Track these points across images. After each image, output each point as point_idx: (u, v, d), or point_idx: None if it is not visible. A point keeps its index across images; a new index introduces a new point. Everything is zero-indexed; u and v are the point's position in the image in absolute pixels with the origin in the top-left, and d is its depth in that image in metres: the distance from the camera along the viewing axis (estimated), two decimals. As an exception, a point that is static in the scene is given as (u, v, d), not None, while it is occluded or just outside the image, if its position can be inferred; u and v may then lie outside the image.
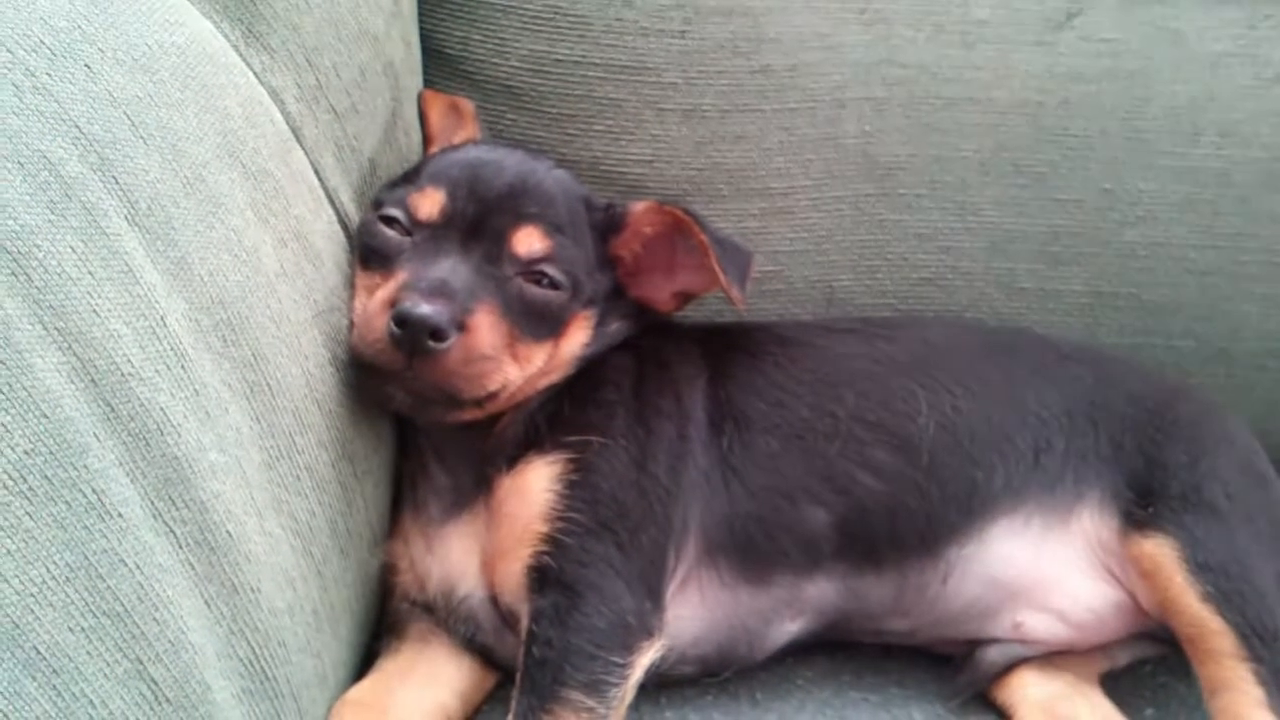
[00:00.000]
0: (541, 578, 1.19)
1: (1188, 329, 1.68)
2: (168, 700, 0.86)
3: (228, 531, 0.97)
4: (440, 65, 1.61)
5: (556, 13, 1.56)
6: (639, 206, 1.37)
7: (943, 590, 1.34)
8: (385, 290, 1.21)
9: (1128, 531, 1.32)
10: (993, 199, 1.64)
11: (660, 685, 1.27)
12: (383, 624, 1.33)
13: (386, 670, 1.27)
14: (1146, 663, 1.41)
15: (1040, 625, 1.35)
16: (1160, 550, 1.29)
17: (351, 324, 1.24)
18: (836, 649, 1.38)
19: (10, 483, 0.78)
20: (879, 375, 1.37)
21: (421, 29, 1.59)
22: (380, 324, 1.18)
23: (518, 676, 1.15)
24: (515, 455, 1.27)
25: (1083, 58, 1.62)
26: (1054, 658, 1.36)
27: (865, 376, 1.37)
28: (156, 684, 0.86)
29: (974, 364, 1.40)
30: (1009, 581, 1.34)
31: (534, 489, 1.23)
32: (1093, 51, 1.62)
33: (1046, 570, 1.34)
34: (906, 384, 1.36)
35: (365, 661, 1.29)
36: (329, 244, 1.26)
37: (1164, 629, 1.32)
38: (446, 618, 1.30)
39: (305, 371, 1.15)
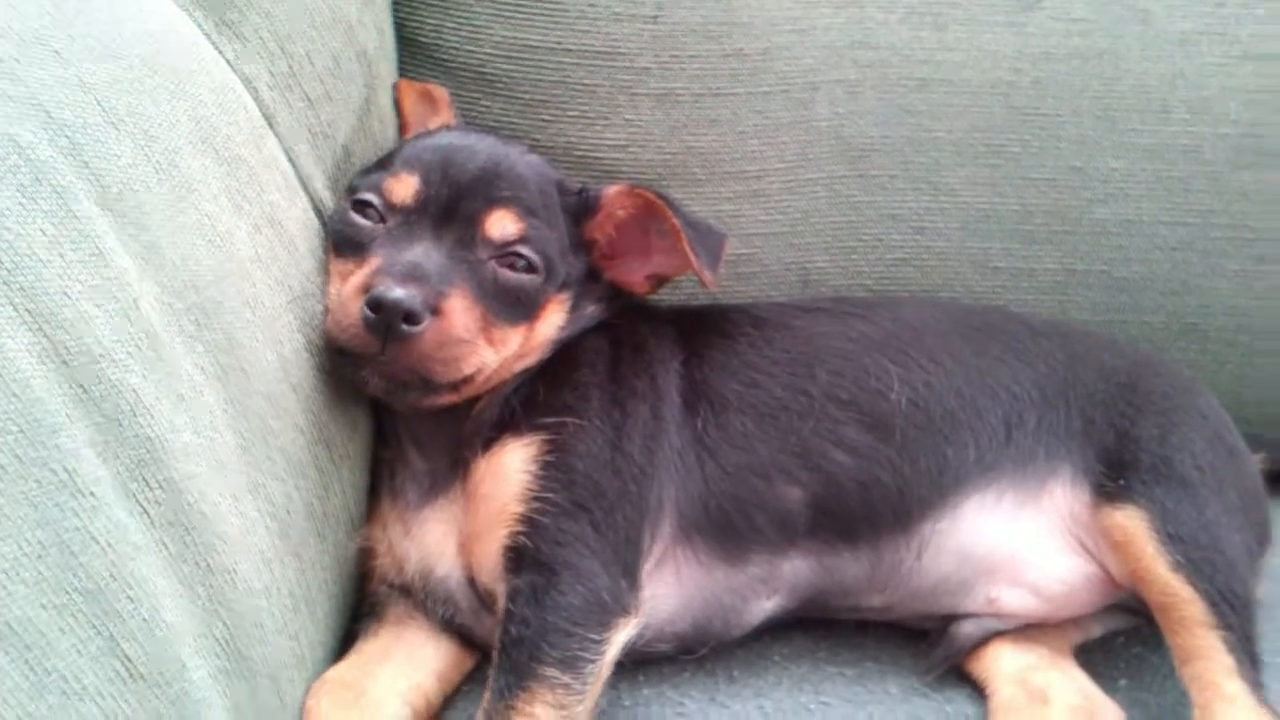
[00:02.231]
0: (518, 558, 1.20)
1: (1159, 305, 1.70)
2: (142, 677, 0.87)
3: (202, 512, 0.98)
4: (414, 53, 1.62)
5: (529, -2, 1.57)
6: (612, 190, 1.38)
7: (917, 566, 1.35)
8: (359, 275, 1.22)
9: (1099, 504, 1.33)
10: (966, 179, 1.65)
11: (638, 663, 1.28)
12: (362, 607, 1.34)
13: (365, 651, 1.28)
14: (1119, 634, 1.42)
15: (1014, 599, 1.36)
16: (1131, 521, 1.30)
17: (326, 310, 1.25)
18: (813, 626, 1.39)
19: (-20, 461, 0.79)
20: (852, 353, 1.38)
21: (395, 16, 1.60)
22: (354, 308, 1.19)
23: (495, 655, 1.16)
24: (491, 438, 1.28)
25: (1053, 37, 1.64)
26: (1028, 630, 1.37)
27: (838, 355, 1.37)
28: (130, 661, 0.86)
29: (946, 341, 1.41)
30: (983, 556, 1.35)
31: (509, 470, 1.24)
32: (1063, 31, 1.64)
33: (1020, 544, 1.35)
34: (879, 361, 1.36)
35: (344, 644, 1.30)
36: (303, 230, 1.26)
37: (1136, 601, 1.33)
38: (424, 599, 1.30)
39: (280, 357, 1.16)
